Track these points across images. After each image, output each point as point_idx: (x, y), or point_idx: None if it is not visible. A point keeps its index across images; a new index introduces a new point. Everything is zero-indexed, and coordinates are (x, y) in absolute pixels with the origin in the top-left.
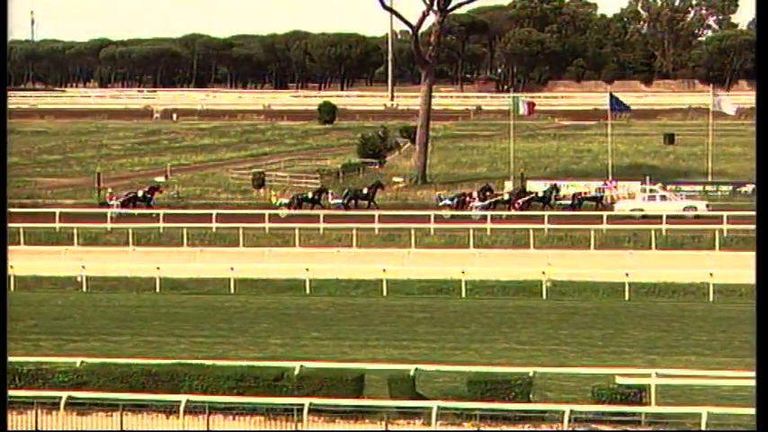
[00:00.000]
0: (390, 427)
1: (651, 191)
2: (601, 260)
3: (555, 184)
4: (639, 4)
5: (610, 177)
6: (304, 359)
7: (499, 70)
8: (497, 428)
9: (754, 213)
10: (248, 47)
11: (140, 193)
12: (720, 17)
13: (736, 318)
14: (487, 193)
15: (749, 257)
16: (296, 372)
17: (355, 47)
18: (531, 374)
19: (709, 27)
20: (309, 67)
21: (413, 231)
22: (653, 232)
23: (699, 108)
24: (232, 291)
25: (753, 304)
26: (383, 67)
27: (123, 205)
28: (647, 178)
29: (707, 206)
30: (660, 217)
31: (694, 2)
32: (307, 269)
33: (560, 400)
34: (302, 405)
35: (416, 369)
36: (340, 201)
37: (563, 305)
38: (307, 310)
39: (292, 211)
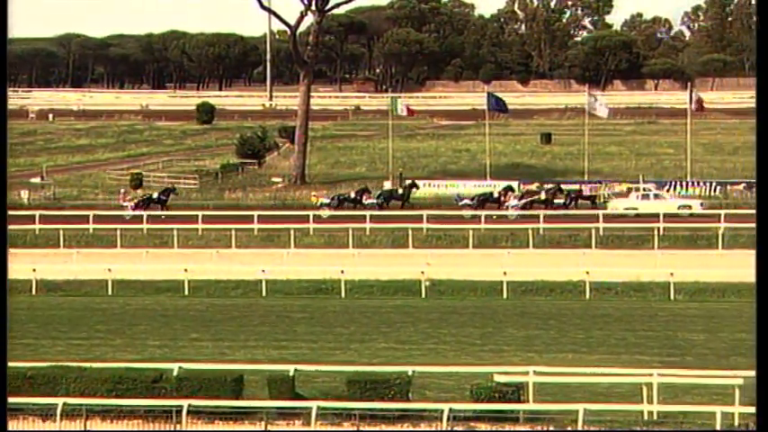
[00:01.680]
0: (270, 428)
1: (645, 189)
2: (479, 259)
3: (558, 185)
4: (516, 5)
5: (488, 177)
6: (183, 360)
7: (378, 70)
8: (376, 428)
9: (629, 212)
10: (125, 47)
11: (155, 195)
12: (595, 18)
13: (612, 315)
14: (509, 193)
15: (624, 256)
16: (174, 373)
17: (233, 47)
18: (410, 373)
19: (584, 27)
20: (187, 67)
21: (292, 232)
22: (530, 231)
23: (575, 108)
24: (110, 292)
25: (628, 301)
26: (262, 67)
27: (137, 207)
28: (641, 177)
29: (701, 205)
30: (656, 216)
31: (570, 2)
32: (185, 270)
33: (439, 399)
34: (181, 407)
35: (296, 369)
36: (374, 201)
37: (442, 304)
38: (185, 311)
39: (333, 212)
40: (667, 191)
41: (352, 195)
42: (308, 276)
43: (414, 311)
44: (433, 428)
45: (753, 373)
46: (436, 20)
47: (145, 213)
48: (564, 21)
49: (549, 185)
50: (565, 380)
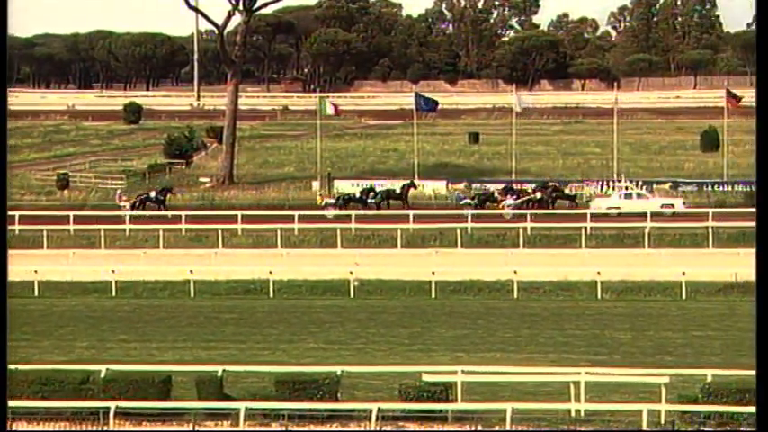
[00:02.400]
0: (198, 429)
1: (627, 188)
2: (407, 259)
3: (557, 185)
4: (444, 5)
5: (416, 176)
6: (110, 362)
7: (306, 70)
8: (305, 428)
9: (556, 211)
10: (51, 46)
11: (152, 195)
12: (522, 18)
13: (540, 314)
14: (510, 192)
15: (552, 255)
16: (102, 374)
17: (161, 46)
18: (338, 373)
19: (511, 27)
20: (114, 67)
21: (220, 232)
22: (458, 231)
23: (502, 108)
24: (36, 293)
25: (556, 300)
26: (189, 66)
27: (134, 207)
28: (621, 176)
29: (684, 203)
30: (639, 215)
31: (497, 2)
32: (113, 271)
33: (368, 399)
34: (108, 408)
35: (224, 370)
36: (372, 201)
37: (370, 304)
38: (113, 313)
39: (339, 212)
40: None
41: (357, 195)
42: (236, 277)
43: (342, 311)
44: (362, 428)
45: (678, 371)
46: (364, 20)
47: (124, 213)
48: (491, 21)
49: (550, 185)
50: (493, 379)
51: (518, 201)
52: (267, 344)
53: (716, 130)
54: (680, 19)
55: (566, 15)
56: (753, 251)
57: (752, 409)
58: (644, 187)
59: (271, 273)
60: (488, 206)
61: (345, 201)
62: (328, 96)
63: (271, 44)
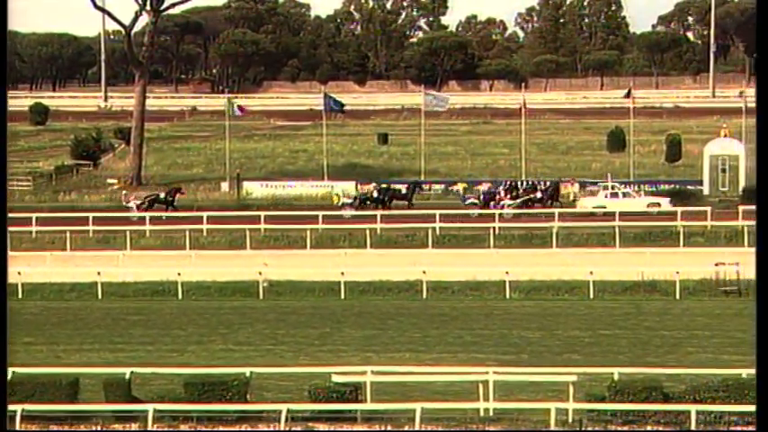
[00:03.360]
0: (106, 431)
1: (613, 188)
2: (317, 260)
3: (557, 184)
4: (352, 6)
5: (325, 177)
6: (16, 365)
7: (214, 71)
8: (214, 429)
9: (467, 211)
10: None
11: (162, 195)
12: (431, 18)
13: (449, 314)
14: (514, 192)
15: (460, 255)
16: (8, 378)
17: (67, 47)
18: (247, 375)
19: (420, 28)
20: (19, 68)
21: (128, 233)
22: (368, 231)
23: (411, 108)
24: None
25: (464, 300)
26: (96, 67)
27: (141, 207)
28: (609, 175)
29: (670, 202)
30: (626, 213)
31: (405, 3)
32: (19, 273)
33: (277, 400)
34: (15, 412)
35: (132, 372)
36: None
37: (279, 305)
38: (19, 315)
39: (356, 212)
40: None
41: (375, 195)
42: (144, 278)
43: (251, 312)
44: (272, 429)
45: (586, 369)
46: (273, 20)
47: (130, 214)
48: (400, 22)
49: (549, 183)
50: (402, 379)
51: (517, 200)
52: (176, 345)
53: (622, 130)
54: (587, 20)
55: (474, 17)
56: (658, 250)
57: (658, 406)
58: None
59: (179, 274)
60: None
61: (363, 200)
62: (237, 97)
63: (179, 45)
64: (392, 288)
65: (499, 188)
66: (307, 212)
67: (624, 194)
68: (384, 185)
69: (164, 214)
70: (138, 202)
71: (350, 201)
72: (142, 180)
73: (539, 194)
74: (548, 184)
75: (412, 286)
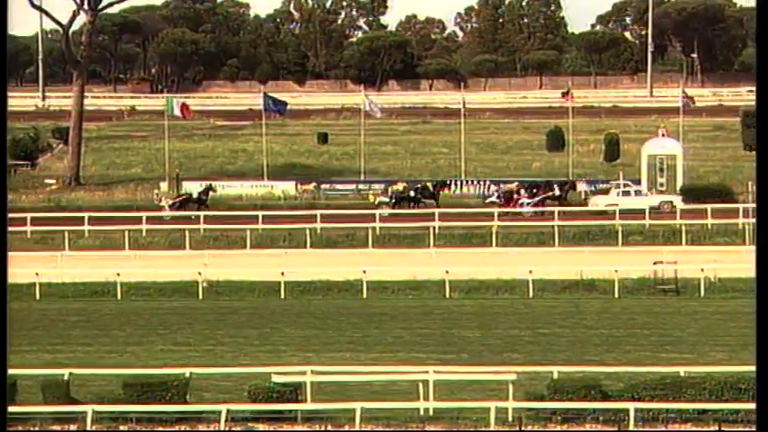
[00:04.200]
0: None
1: (625, 186)
2: (257, 260)
3: (573, 182)
4: (292, 5)
5: (265, 177)
6: None
7: (153, 71)
8: (154, 430)
9: (407, 211)
10: None
11: (194, 194)
12: (371, 18)
13: (389, 313)
14: (534, 190)
15: (400, 255)
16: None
17: None
18: (187, 375)
19: (359, 28)
20: None
21: (66, 234)
22: (308, 231)
23: (351, 108)
24: None
25: (404, 299)
26: (33, 66)
27: (173, 207)
28: (621, 174)
29: (682, 200)
30: (639, 211)
31: (345, 3)
32: None
33: (217, 400)
34: None
35: (71, 373)
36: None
37: (219, 305)
38: None
39: (393, 210)
40: (440, 189)
41: (412, 194)
42: (83, 279)
43: (191, 313)
44: (211, 429)
45: (525, 368)
46: (212, 20)
47: (164, 214)
48: (339, 21)
49: (563, 180)
50: (342, 379)
51: (535, 198)
52: (115, 346)
53: (561, 129)
54: (525, 20)
55: (413, 16)
56: (597, 249)
57: (597, 404)
58: (491, 187)
59: (118, 275)
60: (514, 204)
61: (399, 199)
62: (176, 97)
63: (117, 44)
64: (332, 288)
65: (498, 188)
66: (246, 212)
67: (636, 193)
68: (421, 184)
69: (195, 213)
70: (171, 202)
71: (386, 200)
72: (80, 180)
73: (557, 192)
74: (565, 182)
75: (352, 286)
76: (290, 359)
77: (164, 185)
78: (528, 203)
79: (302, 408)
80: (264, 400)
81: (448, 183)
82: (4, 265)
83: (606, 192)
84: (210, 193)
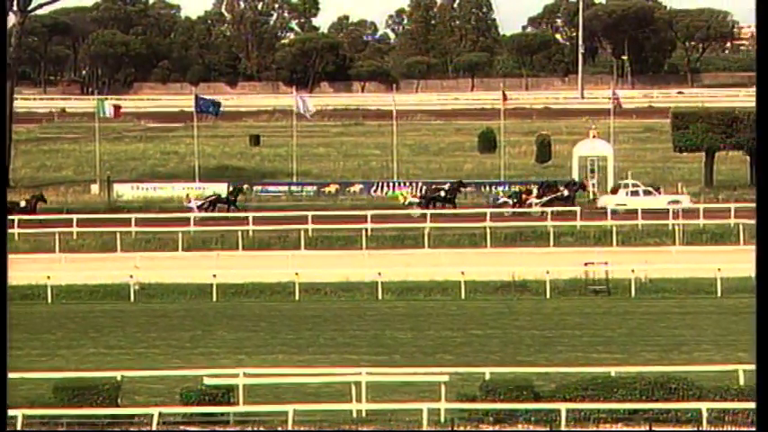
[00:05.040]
0: None
1: (634, 186)
2: (189, 262)
3: (581, 182)
4: (223, 7)
5: (197, 179)
6: None
7: (83, 72)
8: None
9: (340, 213)
10: None
11: (224, 195)
12: (302, 20)
13: (322, 316)
14: (546, 190)
15: (333, 256)
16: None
17: None
18: (119, 379)
19: (291, 30)
20: None
21: None
22: (240, 233)
23: (283, 110)
24: None
25: (337, 301)
26: None
27: (202, 207)
28: (629, 174)
29: (691, 200)
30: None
31: (277, 5)
32: None
33: (149, 404)
34: None
35: None
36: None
37: (151, 308)
38: None
39: (423, 210)
40: (375, 191)
41: (443, 194)
42: (12, 282)
43: (123, 316)
44: (144, 430)
45: (457, 369)
46: (143, 22)
47: (192, 215)
48: (271, 23)
49: (570, 180)
50: (275, 381)
51: (544, 199)
52: (45, 350)
53: (493, 131)
54: (457, 22)
55: (345, 18)
56: (528, 250)
57: (529, 405)
58: (423, 188)
59: (48, 278)
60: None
61: (430, 199)
62: (107, 98)
63: (47, 46)
64: (264, 290)
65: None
66: (178, 215)
67: (645, 192)
68: (452, 182)
69: (226, 215)
70: (200, 203)
71: (417, 200)
72: (10, 183)
73: (566, 192)
74: (575, 182)
75: (284, 288)
76: (222, 361)
77: (94, 188)
78: (536, 203)
79: (235, 410)
80: (196, 402)
81: (464, 183)
82: (4, 265)
83: (615, 191)
84: (240, 195)
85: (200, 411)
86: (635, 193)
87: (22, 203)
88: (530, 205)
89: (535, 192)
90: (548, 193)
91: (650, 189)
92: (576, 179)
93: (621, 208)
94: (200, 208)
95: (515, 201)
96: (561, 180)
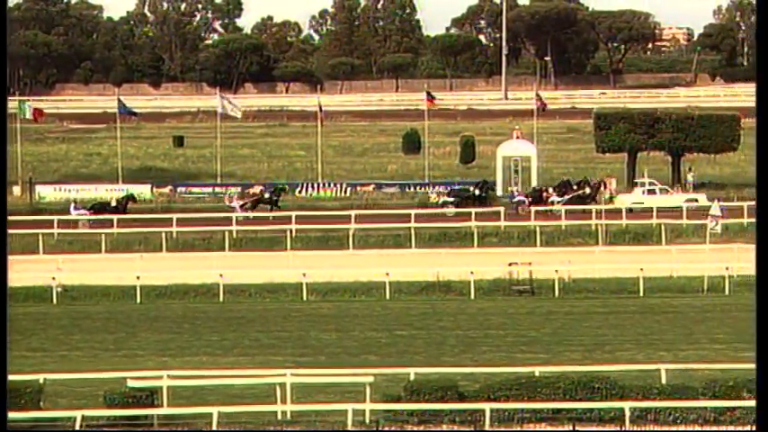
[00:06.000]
0: None
1: (651, 184)
2: (112, 264)
3: (603, 181)
4: (146, 7)
5: (119, 181)
6: None
7: None
8: None
9: (264, 214)
10: None
11: (266, 195)
12: (226, 21)
13: (247, 317)
14: (566, 188)
15: (257, 257)
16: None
17: None
18: (41, 382)
19: (215, 31)
20: None
21: None
22: (164, 235)
23: (207, 111)
24: None
25: (262, 303)
26: None
27: (244, 207)
28: (645, 173)
29: (707, 198)
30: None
31: (200, 5)
32: None
33: (72, 406)
34: None
35: None
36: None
37: (74, 310)
38: None
39: (457, 209)
40: (299, 192)
41: (477, 193)
42: None
43: (45, 318)
44: None
45: (382, 370)
46: (65, 22)
47: (235, 215)
48: (194, 24)
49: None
50: (199, 383)
51: (565, 197)
52: None
53: (417, 132)
54: (381, 23)
55: (269, 18)
56: (453, 251)
57: (453, 405)
58: (348, 189)
59: None
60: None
61: (464, 198)
62: (28, 100)
63: None
64: (189, 291)
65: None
66: (102, 216)
67: (662, 191)
68: (482, 180)
69: (270, 214)
70: (242, 203)
71: (451, 199)
72: None
73: (587, 191)
74: (594, 181)
75: (209, 289)
76: (146, 364)
77: (16, 190)
78: (558, 202)
79: (158, 413)
80: (120, 405)
81: (490, 183)
82: (4, 265)
83: (630, 189)
84: (282, 195)
85: (123, 414)
86: (651, 192)
87: (113, 203)
88: (551, 203)
89: (551, 189)
90: (568, 192)
91: (667, 188)
92: (487, 180)
93: (638, 206)
94: (242, 207)
95: (533, 199)
96: (471, 181)
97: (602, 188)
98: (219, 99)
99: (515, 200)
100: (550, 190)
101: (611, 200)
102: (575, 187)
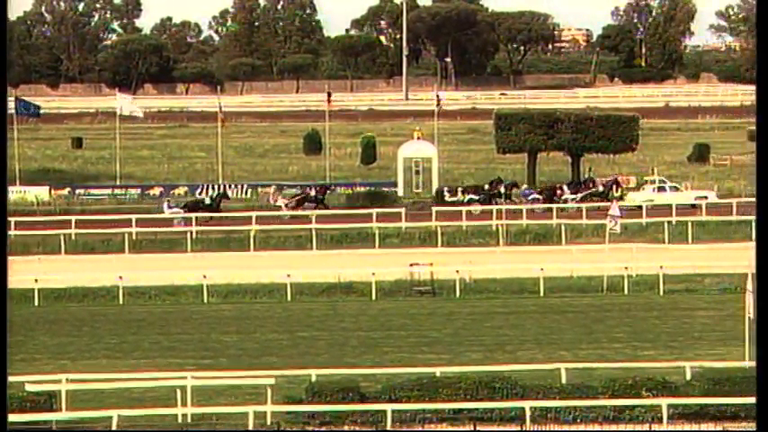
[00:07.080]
0: None
1: (661, 182)
2: (9, 266)
3: (616, 179)
4: (44, 7)
5: (17, 182)
6: None
7: None
8: None
9: (164, 216)
10: None
11: (312, 193)
12: (125, 21)
13: (146, 319)
14: (579, 187)
15: (157, 259)
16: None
17: None
18: None
19: (113, 31)
20: None
21: None
22: (62, 237)
23: (106, 112)
24: None
25: (162, 305)
26: None
27: (289, 206)
28: (655, 170)
29: (717, 195)
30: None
31: (99, 6)
32: None
33: None
34: None
35: None
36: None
37: None
38: None
39: (483, 207)
40: (200, 193)
41: (503, 190)
42: None
43: None
44: None
45: (284, 372)
46: None
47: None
48: (93, 24)
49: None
50: (99, 386)
51: (579, 195)
52: None
53: (318, 132)
54: (281, 24)
55: (169, 19)
56: (354, 252)
57: (355, 406)
58: (249, 190)
59: None
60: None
61: (489, 196)
62: None
63: None
64: (87, 294)
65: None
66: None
67: (672, 188)
68: (513, 180)
69: (313, 213)
70: (286, 201)
71: (477, 197)
72: None
73: (600, 188)
74: (608, 179)
75: (108, 292)
76: (44, 367)
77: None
78: (572, 199)
79: (57, 417)
80: (18, 409)
81: (517, 184)
82: (4, 265)
83: (640, 187)
84: (327, 192)
85: (21, 420)
86: (661, 189)
87: (207, 201)
88: (565, 201)
89: (566, 188)
90: (582, 189)
91: (677, 185)
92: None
93: (649, 204)
94: (287, 206)
95: (546, 197)
96: (384, 181)
97: (613, 187)
98: (120, 98)
99: (530, 198)
100: (564, 188)
101: (621, 197)
102: (590, 185)
